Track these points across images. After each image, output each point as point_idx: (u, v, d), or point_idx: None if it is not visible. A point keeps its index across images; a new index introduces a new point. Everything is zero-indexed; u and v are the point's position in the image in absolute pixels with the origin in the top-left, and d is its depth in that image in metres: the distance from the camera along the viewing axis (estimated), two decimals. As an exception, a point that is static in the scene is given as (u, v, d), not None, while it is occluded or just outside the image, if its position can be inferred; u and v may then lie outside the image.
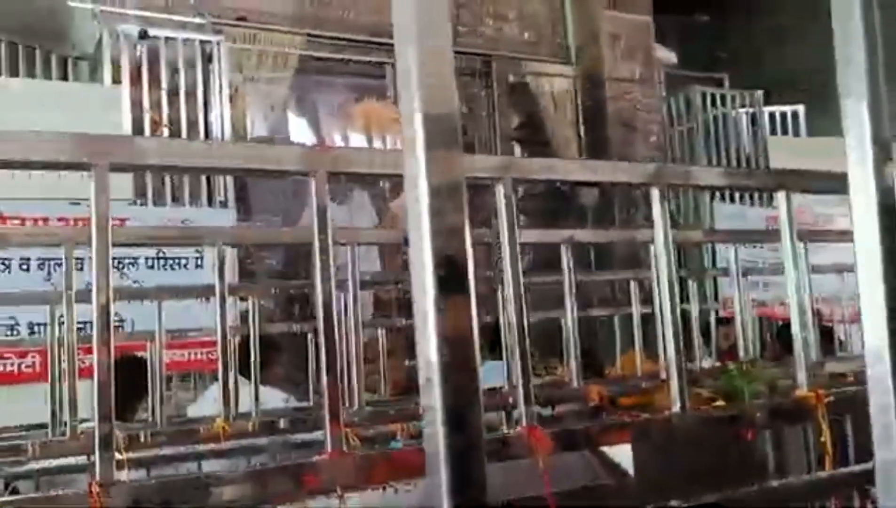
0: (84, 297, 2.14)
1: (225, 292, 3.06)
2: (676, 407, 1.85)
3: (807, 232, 3.19)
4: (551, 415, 3.34)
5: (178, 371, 5.55)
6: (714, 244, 7.83)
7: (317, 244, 1.62)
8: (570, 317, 3.33)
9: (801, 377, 2.06)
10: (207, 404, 4.09)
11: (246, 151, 1.66)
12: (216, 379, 3.34)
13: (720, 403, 2.74)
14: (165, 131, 6.20)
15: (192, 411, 4.28)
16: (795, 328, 2.17)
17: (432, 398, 0.70)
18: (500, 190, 1.74)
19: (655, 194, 1.92)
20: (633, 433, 2.03)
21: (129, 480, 1.43)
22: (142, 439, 2.78)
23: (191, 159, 1.44)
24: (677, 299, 1.97)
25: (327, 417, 1.63)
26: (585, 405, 3.48)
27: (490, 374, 3.46)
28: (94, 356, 1.43)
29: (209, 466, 2.89)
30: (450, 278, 0.71)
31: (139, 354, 3.77)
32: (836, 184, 2.32)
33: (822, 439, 2.03)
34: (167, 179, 6.06)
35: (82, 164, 1.39)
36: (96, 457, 1.40)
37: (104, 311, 1.44)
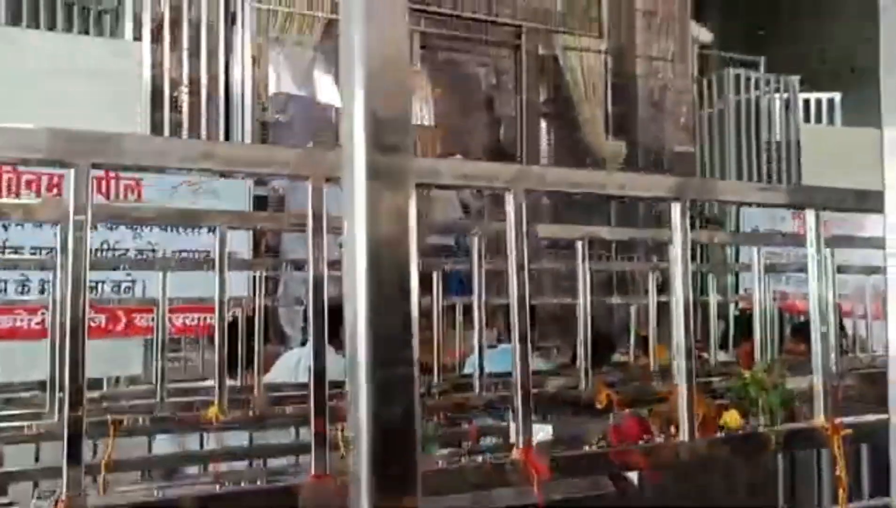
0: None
1: (225, 268, 2.99)
2: (685, 436, 1.75)
3: (834, 239, 3.06)
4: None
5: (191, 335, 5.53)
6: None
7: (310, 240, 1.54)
8: (582, 312, 3.23)
9: (819, 405, 1.96)
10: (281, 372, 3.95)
11: (242, 152, 1.56)
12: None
13: (731, 416, 2.65)
14: (185, 91, 6.13)
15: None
16: (816, 346, 2.07)
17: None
18: (509, 200, 1.64)
19: (677, 208, 1.82)
20: (639, 461, 1.95)
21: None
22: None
23: (181, 161, 1.34)
24: (692, 331, 1.87)
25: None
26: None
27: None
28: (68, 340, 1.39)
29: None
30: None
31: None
32: (869, 203, 2.20)
33: (838, 473, 1.92)
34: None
35: (62, 162, 1.31)
36: (63, 446, 1.36)
37: (79, 317, 1.38)
